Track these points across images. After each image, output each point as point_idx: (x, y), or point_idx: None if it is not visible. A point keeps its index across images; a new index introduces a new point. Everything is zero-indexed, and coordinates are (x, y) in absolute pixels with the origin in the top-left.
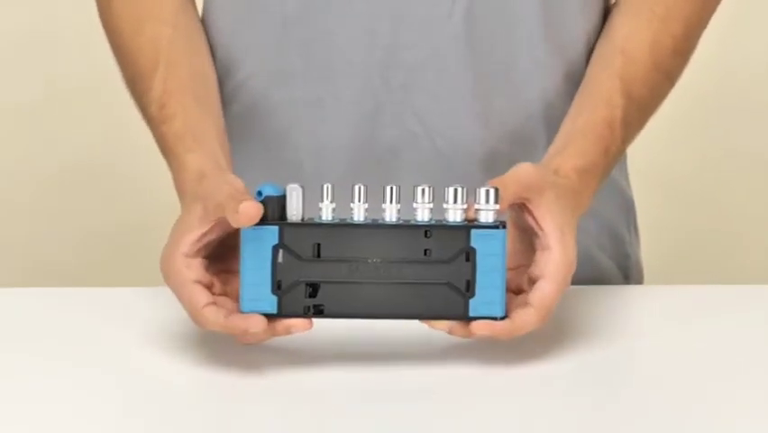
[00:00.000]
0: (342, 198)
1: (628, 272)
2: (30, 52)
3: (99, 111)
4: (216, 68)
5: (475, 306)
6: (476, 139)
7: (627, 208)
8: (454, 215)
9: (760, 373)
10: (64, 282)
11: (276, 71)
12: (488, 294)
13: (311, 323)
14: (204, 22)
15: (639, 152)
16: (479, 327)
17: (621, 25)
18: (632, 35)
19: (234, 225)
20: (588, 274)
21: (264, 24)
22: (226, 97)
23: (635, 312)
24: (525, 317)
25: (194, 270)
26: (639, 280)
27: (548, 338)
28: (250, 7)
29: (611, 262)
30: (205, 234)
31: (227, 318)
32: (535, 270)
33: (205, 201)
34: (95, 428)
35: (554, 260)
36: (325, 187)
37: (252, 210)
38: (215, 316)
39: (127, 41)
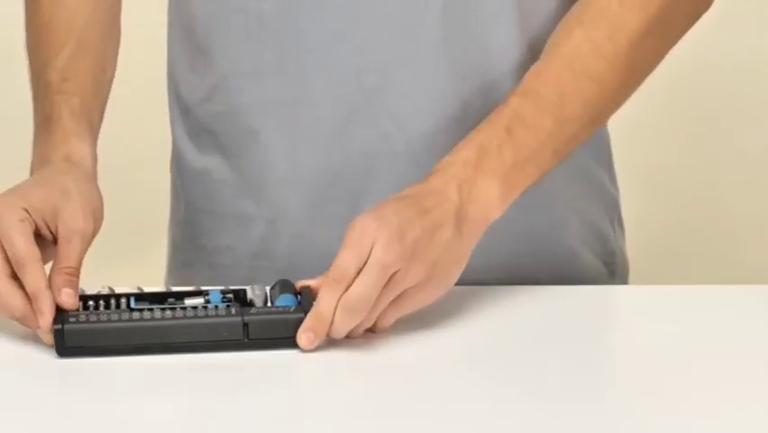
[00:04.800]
0: (317, 200)
1: (614, 268)
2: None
3: None
4: (195, 65)
5: None
6: (451, 139)
7: (610, 204)
8: None
9: (751, 372)
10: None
11: (250, 71)
12: None
13: None
14: (181, 19)
15: (626, 149)
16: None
17: (556, 29)
18: (554, 37)
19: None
20: (572, 272)
21: (240, 23)
22: (203, 95)
23: (623, 312)
24: (321, 293)
25: (31, 225)
26: (625, 275)
27: (541, 340)
28: (226, 6)
29: (596, 260)
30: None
31: (46, 289)
32: None
33: (68, 221)
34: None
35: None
36: None
37: (70, 306)
38: (42, 275)
39: (45, 8)
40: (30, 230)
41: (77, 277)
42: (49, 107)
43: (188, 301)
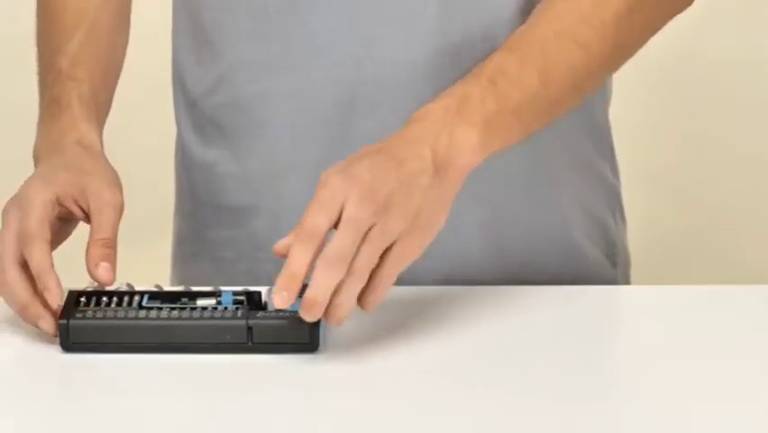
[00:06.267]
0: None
1: (615, 259)
2: (30, 52)
3: None
4: (201, 57)
5: None
6: None
7: (612, 196)
8: None
9: (751, 372)
10: (65, 282)
11: (255, 63)
12: None
13: None
14: (188, 11)
15: (627, 149)
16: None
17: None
18: (540, 6)
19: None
20: (575, 263)
21: (245, 17)
22: (208, 87)
23: (623, 313)
24: (292, 250)
25: (51, 207)
26: (626, 266)
27: (543, 340)
28: (229, 2)
29: (598, 251)
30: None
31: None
32: None
33: (97, 195)
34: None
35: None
36: None
37: (106, 280)
38: (45, 255)
39: None
40: (50, 213)
41: (114, 249)
42: (58, 92)
43: (200, 302)
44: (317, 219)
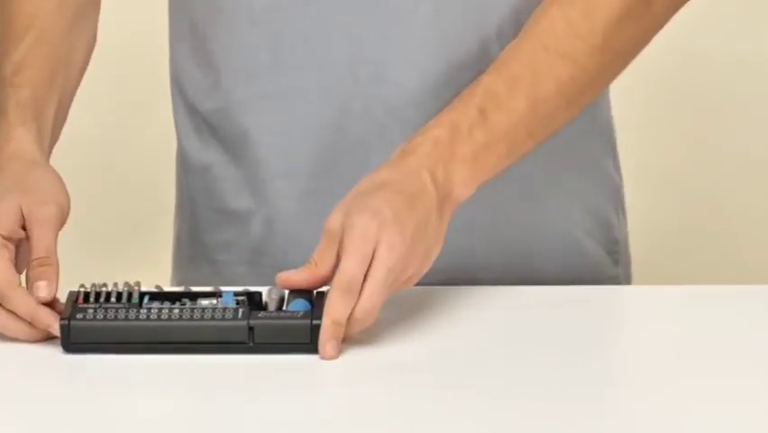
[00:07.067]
0: (313, 194)
1: (617, 256)
2: None
3: (97, 111)
4: (199, 62)
5: None
6: None
7: (614, 193)
8: None
9: (751, 372)
10: (65, 282)
11: (245, 66)
12: None
13: None
14: (185, 16)
15: (628, 148)
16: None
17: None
18: (532, 15)
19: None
20: (575, 262)
21: (234, 19)
22: (206, 92)
23: (623, 313)
24: (333, 302)
25: (8, 249)
26: (627, 264)
27: (543, 340)
28: (218, 6)
29: (599, 248)
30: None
31: (37, 307)
32: None
33: (29, 215)
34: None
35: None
36: None
37: (44, 296)
38: (27, 299)
39: (12, 2)
40: (6, 256)
41: (52, 264)
42: (2, 102)
43: (200, 302)
44: (354, 271)
